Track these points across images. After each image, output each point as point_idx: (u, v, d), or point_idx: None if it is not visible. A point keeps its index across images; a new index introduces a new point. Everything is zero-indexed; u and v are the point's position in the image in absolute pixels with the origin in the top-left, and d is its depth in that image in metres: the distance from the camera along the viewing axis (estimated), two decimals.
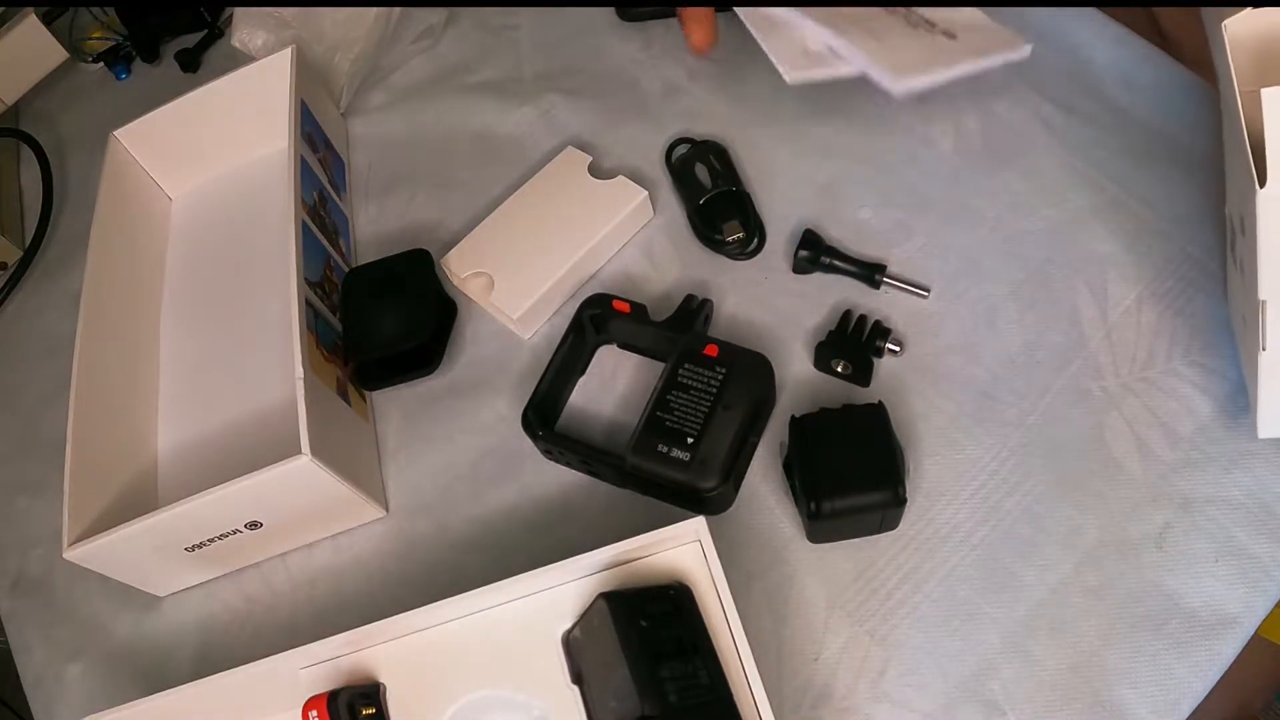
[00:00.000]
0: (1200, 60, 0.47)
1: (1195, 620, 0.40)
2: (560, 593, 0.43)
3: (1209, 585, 0.41)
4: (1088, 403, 0.45)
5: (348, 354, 0.53)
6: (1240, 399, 0.44)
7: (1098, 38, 0.55)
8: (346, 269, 0.58)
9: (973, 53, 0.48)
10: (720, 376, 0.45)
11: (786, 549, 0.45)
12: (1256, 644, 0.41)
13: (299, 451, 0.44)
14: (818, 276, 0.52)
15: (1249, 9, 0.38)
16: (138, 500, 0.52)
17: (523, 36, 0.68)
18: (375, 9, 0.64)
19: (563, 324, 0.51)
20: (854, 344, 0.48)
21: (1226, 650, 0.40)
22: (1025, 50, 0.49)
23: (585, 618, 0.40)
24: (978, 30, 0.50)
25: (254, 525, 0.48)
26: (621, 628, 0.37)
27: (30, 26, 0.72)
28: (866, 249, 0.52)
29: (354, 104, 0.68)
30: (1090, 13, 0.56)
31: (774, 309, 0.51)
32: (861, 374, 0.48)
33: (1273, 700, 0.87)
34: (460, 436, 0.53)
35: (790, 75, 0.47)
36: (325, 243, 0.56)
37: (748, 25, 0.49)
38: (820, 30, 0.48)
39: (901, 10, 0.49)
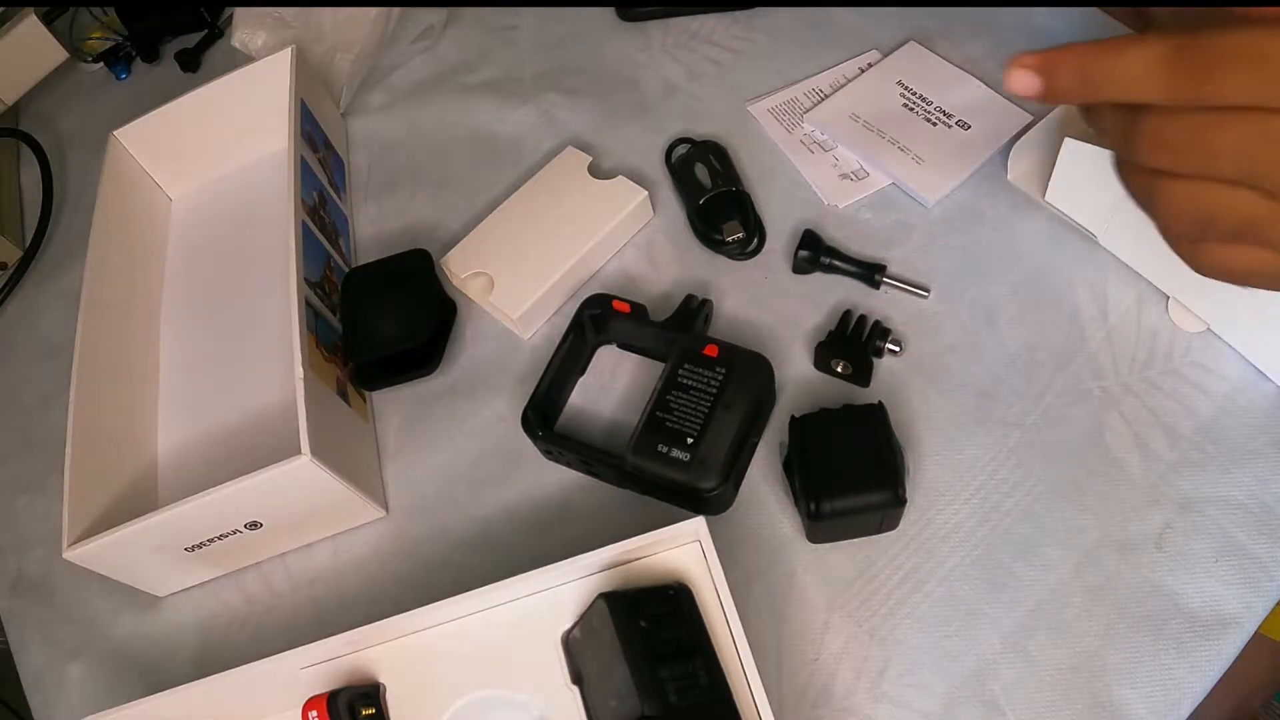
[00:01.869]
0: None
1: (1195, 620, 0.40)
2: (560, 593, 0.43)
3: (1209, 585, 0.41)
4: (1088, 403, 0.45)
5: (348, 354, 0.53)
6: (1240, 398, 0.44)
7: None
8: (346, 269, 0.58)
9: (987, 142, 0.54)
10: (720, 377, 0.45)
11: (786, 549, 0.45)
12: (1256, 641, 0.41)
13: (299, 451, 0.44)
14: (818, 276, 0.52)
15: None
16: (138, 500, 0.52)
17: (523, 36, 0.68)
18: (375, 9, 0.64)
19: (563, 324, 0.51)
20: (854, 344, 0.48)
21: (1227, 650, 0.40)
22: (1029, 117, 0.54)
23: (585, 618, 0.40)
24: (985, 112, 0.55)
25: (254, 525, 0.48)
26: (621, 628, 0.37)
27: (30, 26, 0.72)
28: (866, 249, 0.52)
29: (354, 104, 0.68)
30: (1091, 13, 0.56)
31: (774, 309, 0.51)
32: (861, 374, 0.48)
33: (1271, 699, 0.87)
34: (460, 436, 0.53)
35: (839, 203, 0.54)
36: (325, 243, 0.56)
37: (789, 157, 0.55)
38: (852, 155, 0.55)
39: (921, 110, 0.55)
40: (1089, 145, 0.46)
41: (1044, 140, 0.51)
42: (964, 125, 0.54)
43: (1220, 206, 0.33)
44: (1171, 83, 0.32)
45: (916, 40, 0.59)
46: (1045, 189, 0.50)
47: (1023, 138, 0.51)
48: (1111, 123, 0.35)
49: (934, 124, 0.55)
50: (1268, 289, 0.35)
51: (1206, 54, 0.31)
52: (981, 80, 0.56)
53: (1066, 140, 0.46)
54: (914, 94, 0.56)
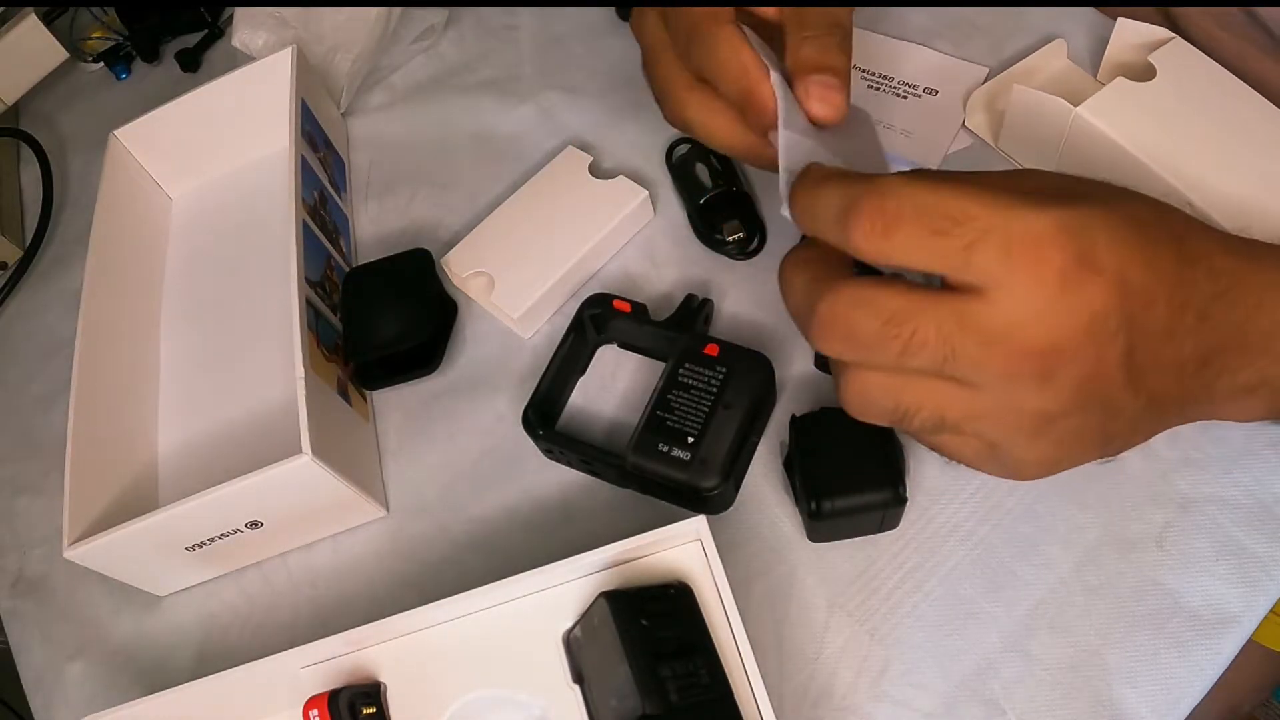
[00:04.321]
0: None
1: (1196, 619, 0.40)
2: (560, 592, 0.43)
3: (1209, 584, 0.41)
4: None
5: (348, 353, 0.53)
6: None
7: (1098, 40, 0.55)
8: (347, 268, 0.58)
9: (960, 100, 0.54)
10: (721, 376, 0.45)
11: (787, 548, 0.45)
12: (1247, 647, 0.41)
13: (299, 451, 0.44)
14: None
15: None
16: (138, 500, 0.52)
17: (523, 36, 0.68)
18: (375, 9, 0.64)
19: (563, 324, 0.51)
20: None
21: (1226, 649, 0.40)
22: (987, 69, 0.55)
23: (586, 617, 0.40)
24: (946, 76, 0.55)
25: (254, 525, 0.48)
26: (622, 627, 0.37)
27: (30, 26, 0.72)
28: None
29: (354, 104, 0.68)
30: (1089, 13, 0.56)
31: (774, 309, 0.51)
32: None
33: (1269, 699, 0.87)
34: (460, 436, 0.53)
35: None
36: (325, 242, 0.56)
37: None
38: None
39: (887, 88, 0.56)
40: (1036, 93, 0.47)
41: (998, 91, 0.53)
42: (931, 92, 0.55)
43: (912, 403, 0.32)
44: (844, 229, 0.31)
45: (857, 26, 0.59)
46: (999, 136, 0.52)
47: (979, 89, 0.53)
48: (798, 297, 0.34)
49: (904, 97, 0.55)
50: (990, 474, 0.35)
51: (886, 205, 0.30)
52: (931, 48, 0.57)
53: (1016, 88, 0.48)
54: (874, 74, 0.57)
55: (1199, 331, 0.32)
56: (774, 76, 0.38)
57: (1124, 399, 0.32)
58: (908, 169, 0.39)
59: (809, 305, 0.33)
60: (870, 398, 0.33)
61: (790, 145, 0.37)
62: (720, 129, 0.42)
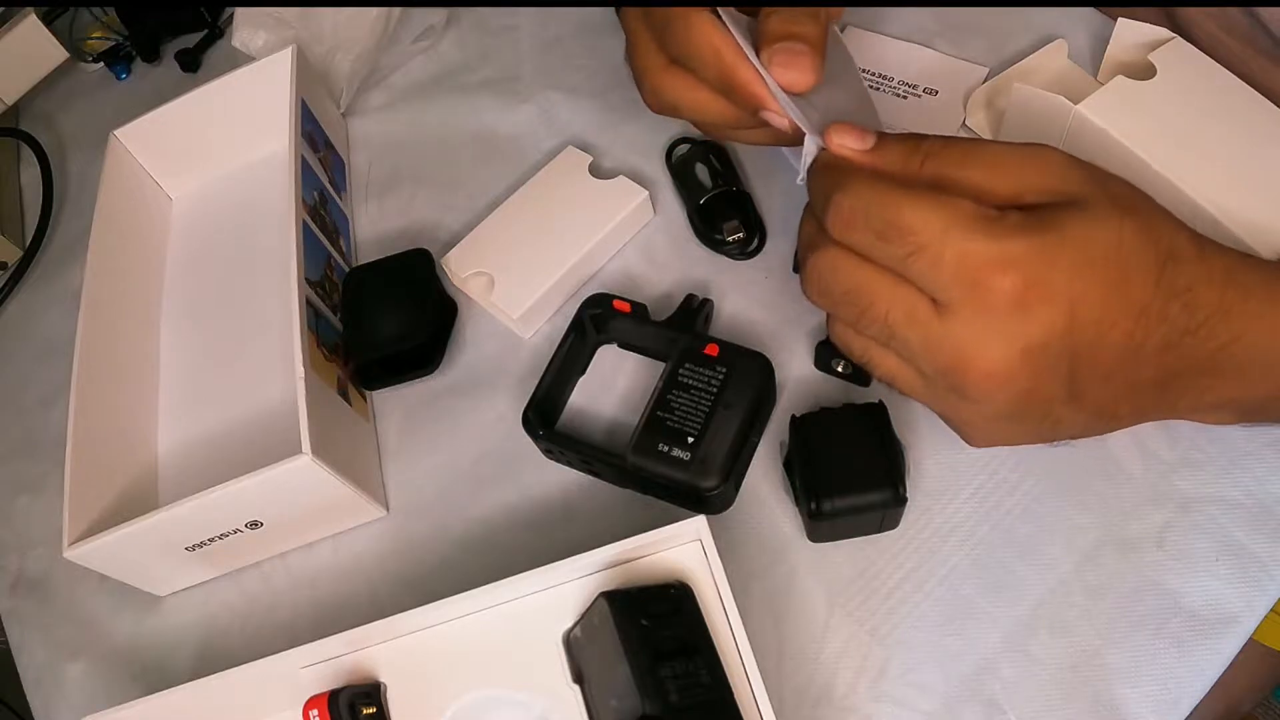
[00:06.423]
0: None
1: (1196, 619, 0.40)
2: (560, 592, 0.43)
3: (1209, 584, 0.41)
4: None
5: (348, 354, 0.53)
6: None
7: (1098, 40, 0.55)
8: (347, 268, 0.58)
9: (958, 103, 0.55)
10: (721, 376, 0.45)
11: (787, 548, 0.45)
12: (1247, 646, 0.41)
13: (299, 451, 0.44)
14: None
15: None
16: (138, 500, 0.52)
17: (523, 36, 0.68)
18: (375, 9, 0.64)
19: (563, 324, 0.51)
20: None
21: (1227, 648, 0.40)
22: (986, 69, 0.55)
23: (586, 617, 0.40)
24: (945, 76, 0.56)
25: (254, 525, 0.48)
26: (622, 627, 0.37)
27: (30, 26, 0.72)
28: None
29: (354, 104, 0.68)
30: (1089, 13, 0.56)
31: (774, 309, 0.51)
32: (862, 373, 0.48)
33: (1269, 698, 0.87)
34: (460, 436, 0.53)
35: None
36: (325, 242, 0.56)
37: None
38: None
39: (887, 89, 0.56)
40: (1036, 91, 0.48)
41: (998, 89, 0.53)
42: (931, 92, 0.55)
43: (870, 359, 0.37)
44: (825, 222, 0.35)
45: (857, 26, 0.59)
46: (999, 134, 0.52)
47: (980, 88, 0.53)
48: (801, 249, 0.38)
49: (904, 97, 0.55)
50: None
51: (844, 205, 0.34)
52: (929, 48, 0.57)
53: (1016, 86, 0.49)
54: (873, 74, 0.57)
55: (1161, 359, 0.33)
56: (754, 55, 0.39)
57: (1064, 412, 0.34)
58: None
59: (804, 257, 0.37)
60: (838, 339, 0.38)
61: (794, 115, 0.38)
62: (706, 104, 0.42)
